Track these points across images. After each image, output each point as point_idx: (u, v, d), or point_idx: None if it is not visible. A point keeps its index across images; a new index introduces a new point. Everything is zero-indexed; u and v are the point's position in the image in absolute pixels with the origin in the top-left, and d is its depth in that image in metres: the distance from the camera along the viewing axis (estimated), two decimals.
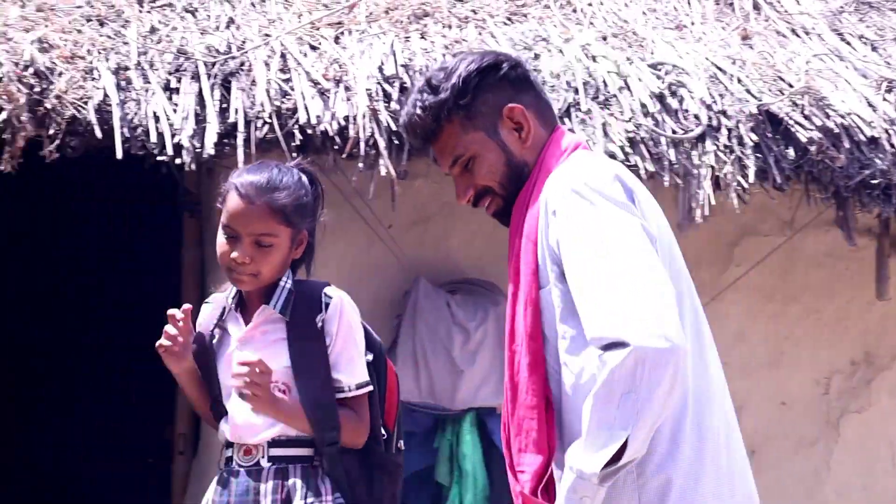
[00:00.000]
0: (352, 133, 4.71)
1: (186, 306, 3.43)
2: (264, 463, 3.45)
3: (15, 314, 7.94)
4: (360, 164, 4.75)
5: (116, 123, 4.53)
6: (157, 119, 4.60)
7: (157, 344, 3.39)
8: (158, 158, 4.57)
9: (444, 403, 5.17)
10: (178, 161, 4.58)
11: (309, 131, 4.69)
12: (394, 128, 4.75)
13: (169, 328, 3.39)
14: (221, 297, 3.56)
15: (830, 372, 5.83)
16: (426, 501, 5.22)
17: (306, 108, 4.69)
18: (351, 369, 3.49)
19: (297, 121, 4.68)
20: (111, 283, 7.92)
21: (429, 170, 5.15)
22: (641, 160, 4.97)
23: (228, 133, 4.65)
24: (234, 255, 3.38)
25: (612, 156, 4.89)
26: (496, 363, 5.17)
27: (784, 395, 5.78)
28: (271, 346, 3.46)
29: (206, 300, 3.59)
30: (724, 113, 5.16)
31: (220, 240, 3.43)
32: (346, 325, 3.51)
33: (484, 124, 2.68)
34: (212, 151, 4.58)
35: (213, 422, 3.52)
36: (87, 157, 4.64)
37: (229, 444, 3.46)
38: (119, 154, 4.52)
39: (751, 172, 5.03)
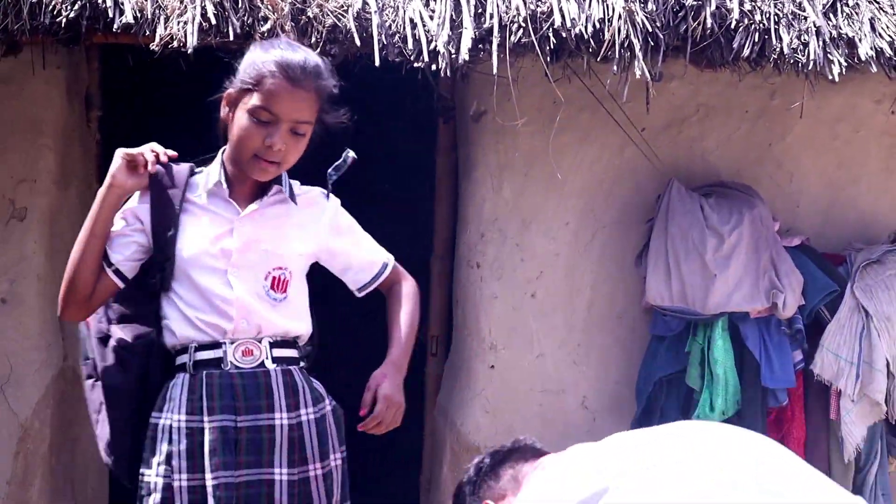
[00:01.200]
0: (606, 35, 4.64)
1: (171, 152, 3.43)
2: (269, 364, 3.40)
3: None
4: (615, 67, 4.68)
5: (375, 31, 4.54)
6: (413, 26, 4.60)
7: (126, 151, 3.32)
8: (415, 65, 4.58)
9: (695, 307, 5.13)
10: (433, 67, 4.57)
11: (563, 34, 4.63)
12: (650, 29, 4.67)
13: (148, 151, 3.35)
14: (185, 170, 3.45)
15: None
16: (676, 405, 5.20)
17: (561, 11, 4.62)
18: (377, 248, 3.62)
19: (552, 24, 4.62)
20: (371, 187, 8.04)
21: (685, 71, 5.08)
22: None
23: (483, 38, 4.62)
24: (272, 140, 3.27)
25: (881, 51, 4.74)
26: (750, 267, 5.13)
27: None
28: (282, 228, 3.42)
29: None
30: None
31: (247, 124, 3.29)
32: (345, 217, 3.57)
33: None
34: (466, 57, 4.57)
35: (92, 275, 3.37)
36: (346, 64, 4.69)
37: (211, 345, 3.37)
38: (377, 61, 4.55)
39: None
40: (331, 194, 3.55)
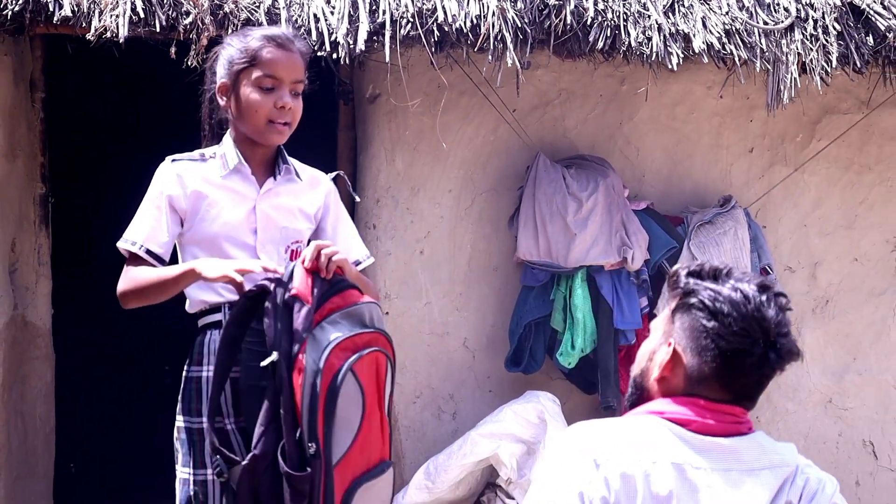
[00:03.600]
0: (482, 30, 4.66)
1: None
2: None
3: None
4: (490, 57, 4.69)
5: (283, 24, 4.52)
6: (316, 20, 4.59)
7: (237, 272, 2.97)
8: (318, 54, 4.56)
9: (559, 262, 5.15)
10: (334, 56, 4.57)
11: (445, 28, 4.64)
12: (519, 24, 4.69)
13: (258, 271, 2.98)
14: (188, 158, 3.26)
15: None
16: (542, 344, 5.24)
17: (443, 8, 4.63)
18: (358, 244, 3.39)
19: (436, 19, 4.63)
20: None
21: (549, 61, 5.10)
22: (736, 48, 4.87)
23: (377, 31, 4.62)
24: (282, 101, 3.16)
25: (711, 45, 4.82)
26: (604, 227, 5.17)
27: (857, 253, 5.70)
28: (294, 204, 3.28)
29: (174, 158, 3.27)
30: (811, 5, 5.02)
31: (255, 95, 3.18)
32: (338, 201, 3.38)
33: None
34: (363, 47, 4.56)
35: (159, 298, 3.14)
36: None
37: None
38: None
39: (833, 58, 4.91)
40: (328, 175, 3.44)
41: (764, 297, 2.21)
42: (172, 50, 4.48)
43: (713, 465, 2.16)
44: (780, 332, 2.20)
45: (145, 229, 3.23)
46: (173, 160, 3.26)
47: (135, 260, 3.21)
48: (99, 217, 7.63)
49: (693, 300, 2.23)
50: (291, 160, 3.36)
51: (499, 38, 4.67)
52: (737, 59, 4.85)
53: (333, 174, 3.45)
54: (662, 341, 2.29)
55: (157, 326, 7.86)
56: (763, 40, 4.91)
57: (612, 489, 2.12)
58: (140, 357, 7.97)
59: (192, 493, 3.11)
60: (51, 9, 4.37)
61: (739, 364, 2.20)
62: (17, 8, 4.34)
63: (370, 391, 2.94)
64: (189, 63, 4.49)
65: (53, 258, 5.42)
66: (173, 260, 3.27)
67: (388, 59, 4.60)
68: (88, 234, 7.51)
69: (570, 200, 5.15)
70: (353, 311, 3.00)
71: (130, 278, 3.20)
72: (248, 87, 3.18)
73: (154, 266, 3.20)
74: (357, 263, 3.36)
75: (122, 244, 3.22)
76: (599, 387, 5.21)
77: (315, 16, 4.58)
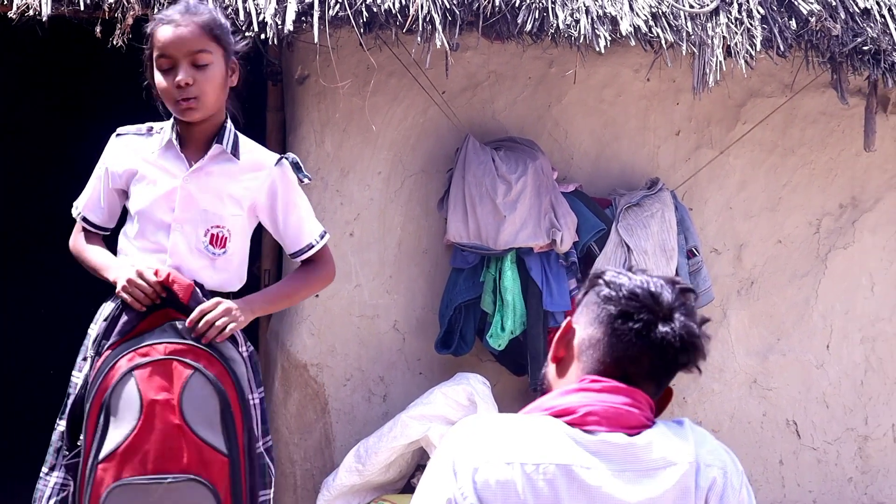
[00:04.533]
0: (411, 11, 4.65)
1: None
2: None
3: None
4: (419, 38, 4.69)
5: (209, 3, 4.47)
6: (244, 0, 4.54)
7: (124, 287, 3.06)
8: (246, 34, 4.52)
9: (488, 244, 5.16)
10: (262, 36, 4.53)
11: (374, 9, 4.63)
12: (447, 5, 4.68)
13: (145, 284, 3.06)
14: (134, 132, 3.28)
15: (821, 214, 5.80)
16: (472, 326, 5.25)
17: None
18: (310, 229, 3.33)
19: (364, 1, 4.61)
20: None
21: (478, 43, 5.09)
22: (662, 32, 4.90)
23: (305, 12, 4.59)
24: (178, 79, 3.10)
25: (638, 28, 4.84)
26: (534, 210, 5.18)
27: (780, 235, 5.77)
28: (224, 187, 3.21)
29: (119, 131, 3.30)
30: None
31: (158, 78, 3.15)
32: (292, 186, 3.27)
33: None
34: (291, 28, 4.53)
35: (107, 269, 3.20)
36: None
37: None
38: None
39: (758, 41, 4.95)
40: (284, 162, 3.29)
41: (667, 285, 2.18)
42: (97, 29, 4.42)
43: (606, 466, 2.07)
44: (674, 309, 2.15)
45: (85, 198, 3.37)
46: (118, 134, 3.29)
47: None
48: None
49: (597, 282, 2.21)
50: (243, 140, 3.30)
51: (427, 19, 4.66)
52: (663, 42, 4.88)
53: (278, 158, 3.35)
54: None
55: None
56: (689, 23, 4.95)
57: (484, 496, 2.04)
58: None
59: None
60: None
61: (623, 328, 2.14)
62: None
63: (152, 398, 2.93)
64: (115, 43, 4.43)
65: None
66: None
67: (316, 39, 4.57)
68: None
69: (499, 183, 5.16)
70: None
71: (77, 247, 3.36)
72: (155, 71, 3.19)
73: (91, 232, 3.35)
74: (310, 247, 3.36)
75: (74, 209, 3.38)
76: (529, 369, 5.22)
77: None
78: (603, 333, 2.15)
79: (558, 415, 2.12)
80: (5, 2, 4.31)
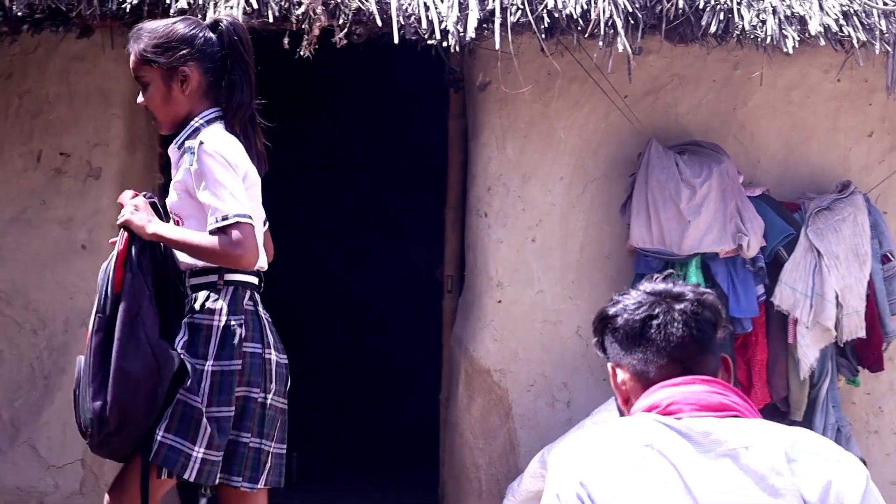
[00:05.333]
0: (592, 15, 4.63)
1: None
2: (189, 287, 3.37)
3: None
4: (600, 43, 4.67)
5: (394, 13, 4.55)
6: (426, 8, 4.60)
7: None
8: (428, 42, 4.58)
9: (672, 249, 5.13)
10: (444, 44, 4.59)
11: (556, 15, 4.63)
12: (630, 9, 4.66)
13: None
14: None
15: None
16: None
17: None
18: (216, 207, 3.26)
19: (546, 6, 4.62)
20: (385, 148, 8.03)
21: (661, 46, 5.04)
22: (854, 31, 4.77)
23: (487, 19, 4.63)
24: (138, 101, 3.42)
25: (828, 27, 4.72)
26: (719, 214, 5.12)
27: None
28: (175, 176, 3.39)
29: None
30: None
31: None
32: (203, 167, 3.26)
33: None
34: (473, 35, 4.58)
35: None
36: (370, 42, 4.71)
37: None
38: (396, 39, 4.56)
39: None
40: (199, 142, 3.31)
41: (652, 282, 2.27)
42: (285, 41, 4.55)
43: (693, 447, 2.10)
44: (681, 295, 2.22)
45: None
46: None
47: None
48: None
49: (604, 324, 2.29)
50: (197, 132, 3.36)
51: (609, 23, 4.65)
52: (855, 41, 4.75)
53: (199, 142, 3.36)
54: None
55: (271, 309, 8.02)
56: (882, 21, 4.80)
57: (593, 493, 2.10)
58: None
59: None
60: (167, 2, 4.46)
61: (651, 331, 2.22)
62: (135, 1, 4.44)
63: None
64: (301, 53, 4.55)
65: None
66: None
67: (498, 46, 4.60)
68: None
69: (683, 187, 5.11)
70: None
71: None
72: None
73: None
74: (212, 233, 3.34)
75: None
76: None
77: (425, 4, 4.60)
78: (643, 349, 2.22)
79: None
80: (198, 16, 4.46)
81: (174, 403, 3.26)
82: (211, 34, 3.39)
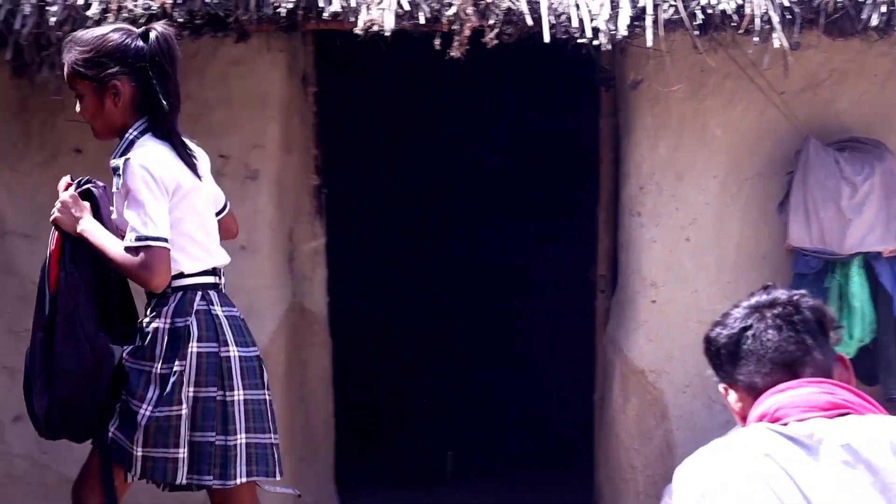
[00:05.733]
0: (747, 10, 4.56)
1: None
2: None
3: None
4: (755, 38, 4.59)
5: (544, 12, 4.56)
6: (577, 7, 4.60)
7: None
8: (579, 41, 4.57)
9: (832, 248, 5.04)
10: (595, 42, 4.56)
11: (709, 11, 4.57)
12: (786, 4, 4.57)
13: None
14: None
15: None
16: None
17: None
18: (131, 225, 3.35)
19: (699, 2, 4.57)
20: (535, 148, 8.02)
21: (819, 41, 4.93)
22: None
23: (638, 16, 4.60)
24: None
25: None
26: (881, 213, 5.02)
27: None
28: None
29: None
30: None
31: None
32: (128, 184, 3.35)
33: None
34: (625, 33, 4.55)
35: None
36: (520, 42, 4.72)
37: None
38: (546, 38, 4.56)
39: None
40: (127, 164, 3.40)
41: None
42: (437, 41, 4.59)
43: (801, 450, 2.11)
44: (773, 301, 2.24)
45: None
46: None
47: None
48: (369, 207, 7.89)
49: (709, 345, 2.33)
50: (134, 147, 3.44)
51: (765, 19, 4.57)
52: None
53: (124, 160, 3.44)
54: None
55: (423, 310, 8.09)
56: None
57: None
58: (411, 344, 8.17)
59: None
60: (321, 5, 4.55)
61: (753, 343, 2.24)
62: (289, 5, 4.54)
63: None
64: (452, 54, 4.58)
65: (328, 247, 5.65)
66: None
67: (650, 43, 4.57)
68: (361, 223, 7.76)
69: (843, 185, 5.02)
70: None
71: None
72: None
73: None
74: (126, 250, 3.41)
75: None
76: (881, 378, 5.05)
77: (576, 3, 4.60)
78: (745, 362, 2.24)
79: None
80: (351, 18, 4.54)
81: (120, 403, 3.41)
82: (141, 43, 3.44)
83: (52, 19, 4.48)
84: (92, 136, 4.82)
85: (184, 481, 3.43)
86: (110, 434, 3.42)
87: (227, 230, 3.75)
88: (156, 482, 3.49)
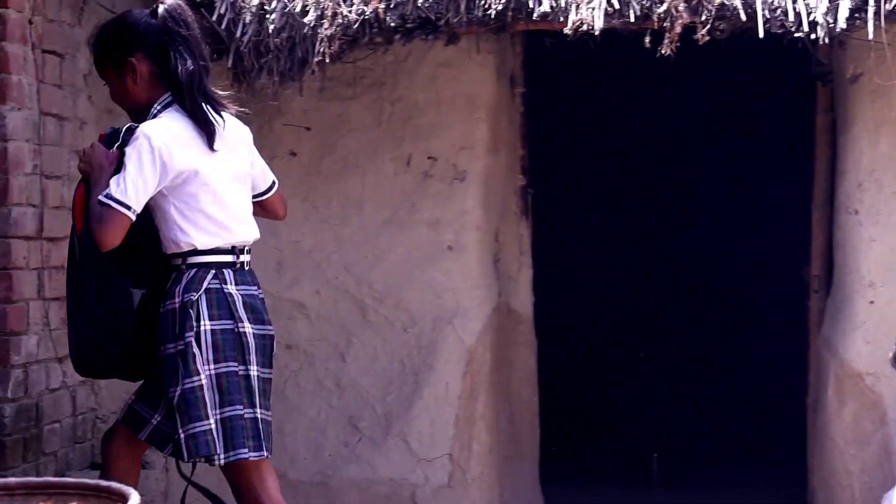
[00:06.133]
0: None
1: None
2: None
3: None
4: None
5: (759, 7, 4.45)
6: (794, 0, 4.47)
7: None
8: (795, 35, 4.45)
9: None
10: (812, 36, 4.44)
11: None
12: None
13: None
14: None
15: None
16: None
17: None
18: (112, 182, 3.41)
19: None
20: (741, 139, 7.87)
21: None
22: None
23: (859, 8, 4.45)
24: None
25: None
26: None
27: None
28: None
29: None
30: None
31: None
32: (130, 149, 3.42)
33: None
34: (843, 25, 4.41)
35: None
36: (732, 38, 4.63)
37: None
38: (761, 33, 4.46)
39: None
40: (124, 137, 3.53)
41: None
42: (647, 39, 4.53)
43: None
44: None
45: None
46: None
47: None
48: (575, 207, 7.86)
49: None
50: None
51: None
52: None
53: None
54: None
55: (630, 310, 8.03)
56: None
57: None
58: (616, 343, 8.12)
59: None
60: (531, 5, 4.55)
61: None
62: (500, 7, 4.55)
63: None
64: (662, 52, 4.52)
65: (534, 247, 5.65)
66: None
67: (871, 36, 4.41)
68: (566, 224, 7.74)
69: None
70: None
71: None
72: None
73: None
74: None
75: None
76: None
77: None
78: None
79: None
80: (561, 18, 4.53)
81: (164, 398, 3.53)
82: (152, 20, 3.50)
83: (271, 27, 4.61)
84: (306, 140, 4.98)
85: (221, 457, 3.50)
86: (153, 425, 3.54)
87: (273, 211, 3.85)
88: (201, 459, 3.53)
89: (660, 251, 8.01)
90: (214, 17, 4.71)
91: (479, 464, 5.21)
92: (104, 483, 3.00)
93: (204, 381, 3.46)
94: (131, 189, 3.40)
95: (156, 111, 3.51)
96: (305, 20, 4.59)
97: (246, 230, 3.62)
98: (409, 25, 4.62)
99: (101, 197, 3.41)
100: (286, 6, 4.62)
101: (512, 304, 5.59)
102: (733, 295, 7.93)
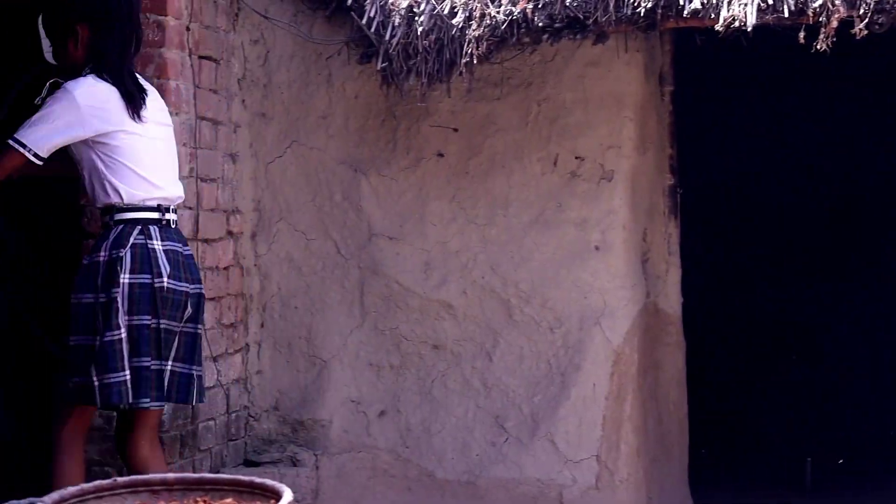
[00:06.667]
0: None
1: None
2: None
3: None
4: None
5: None
6: None
7: None
8: None
9: None
10: None
11: None
12: None
13: None
14: None
15: None
16: None
17: None
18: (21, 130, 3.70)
19: None
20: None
21: None
22: None
23: None
24: None
25: None
26: None
27: None
28: None
29: None
30: None
31: None
32: (50, 99, 3.68)
33: None
34: None
35: None
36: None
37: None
38: None
39: None
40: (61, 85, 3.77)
41: None
42: (801, 35, 4.42)
43: None
44: None
45: None
46: None
47: None
48: (725, 207, 7.74)
49: None
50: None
51: None
52: None
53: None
54: None
55: (782, 317, 7.87)
56: None
57: None
58: (767, 344, 7.97)
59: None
60: (681, 3, 4.48)
61: None
62: (649, 5, 4.49)
63: None
64: (818, 47, 4.40)
65: (682, 247, 5.58)
66: None
67: None
68: (715, 224, 7.63)
69: None
70: None
71: None
72: None
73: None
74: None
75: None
76: None
77: None
78: None
79: None
80: (712, 15, 4.45)
81: (70, 351, 3.72)
82: None
83: (420, 28, 4.63)
84: (454, 141, 4.99)
85: (128, 403, 3.69)
86: (70, 385, 3.72)
87: None
88: (112, 407, 3.77)
89: (808, 249, 7.85)
90: (364, 21, 4.77)
91: (627, 465, 5.16)
92: (258, 480, 3.05)
93: (124, 335, 3.68)
94: (36, 133, 3.69)
95: (85, 73, 3.78)
96: (454, 22, 4.61)
97: (172, 189, 3.86)
98: (557, 25, 4.59)
99: (9, 138, 3.70)
100: (435, 8, 4.64)
101: (660, 304, 5.52)
102: (887, 299, 7.73)
